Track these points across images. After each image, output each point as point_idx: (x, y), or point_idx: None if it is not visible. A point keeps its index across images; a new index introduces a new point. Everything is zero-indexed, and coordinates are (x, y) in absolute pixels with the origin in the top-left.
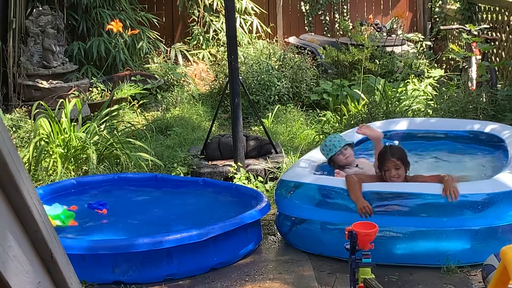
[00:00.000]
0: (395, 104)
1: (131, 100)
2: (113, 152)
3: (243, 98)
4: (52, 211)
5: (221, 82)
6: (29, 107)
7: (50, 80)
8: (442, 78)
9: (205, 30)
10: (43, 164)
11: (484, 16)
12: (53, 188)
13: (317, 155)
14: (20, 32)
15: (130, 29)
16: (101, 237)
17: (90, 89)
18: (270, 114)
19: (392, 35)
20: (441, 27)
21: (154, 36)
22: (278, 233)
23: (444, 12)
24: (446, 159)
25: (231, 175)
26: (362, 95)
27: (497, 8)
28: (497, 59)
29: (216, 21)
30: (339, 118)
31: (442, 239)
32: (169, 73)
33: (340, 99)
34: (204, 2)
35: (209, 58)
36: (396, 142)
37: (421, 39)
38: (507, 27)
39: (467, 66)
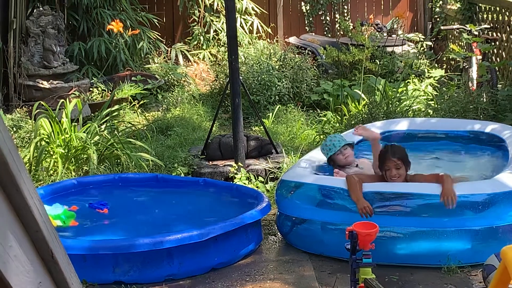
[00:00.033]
0: (395, 104)
1: (132, 100)
2: (113, 152)
3: (243, 98)
4: (52, 211)
5: (221, 82)
6: (30, 107)
7: (51, 80)
8: (443, 78)
9: (205, 30)
10: (44, 164)
11: (485, 16)
12: (54, 188)
13: (317, 155)
14: (20, 32)
15: (130, 29)
16: (102, 237)
17: (91, 89)
18: (270, 114)
19: (393, 35)
20: (442, 27)
21: (154, 36)
22: (278, 233)
23: (445, 12)
24: (447, 159)
25: (232, 175)
26: (363, 95)
27: (498, 8)
28: (498, 59)
29: (216, 21)
30: (340, 118)
31: (443, 239)
32: (170, 73)
33: (341, 99)
34: (204, 2)
35: (209, 58)
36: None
37: (422, 39)
38: (507, 27)
39: (467, 66)
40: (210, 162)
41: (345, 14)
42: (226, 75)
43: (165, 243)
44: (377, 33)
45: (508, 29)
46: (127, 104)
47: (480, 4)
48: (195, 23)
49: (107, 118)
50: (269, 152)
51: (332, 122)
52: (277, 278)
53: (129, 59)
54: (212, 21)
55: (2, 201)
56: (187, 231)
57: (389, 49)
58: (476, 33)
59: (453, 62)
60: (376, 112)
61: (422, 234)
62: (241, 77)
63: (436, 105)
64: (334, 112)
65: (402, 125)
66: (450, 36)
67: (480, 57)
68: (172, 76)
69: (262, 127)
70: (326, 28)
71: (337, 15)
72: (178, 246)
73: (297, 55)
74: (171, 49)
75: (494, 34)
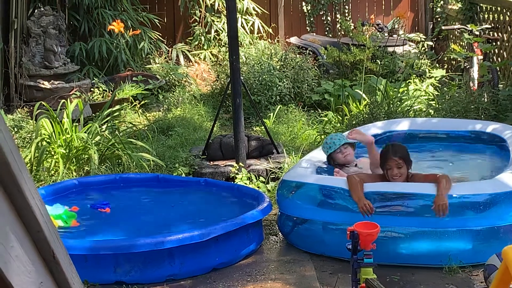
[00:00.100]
0: (396, 104)
1: (133, 101)
2: (114, 152)
3: (244, 98)
4: (53, 211)
5: (222, 83)
6: (31, 108)
7: (52, 81)
8: (444, 78)
9: (206, 30)
10: (45, 164)
11: (486, 16)
12: (55, 189)
13: (318, 155)
14: (21, 32)
15: (131, 29)
16: (103, 237)
17: (92, 89)
18: (271, 114)
19: (394, 35)
20: (443, 27)
21: (155, 37)
22: (279, 233)
23: (446, 12)
24: (448, 159)
25: (233, 175)
26: (364, 95)
27: (499, 8)
28: (499, 59)
29: (217, 21)
30: (341, 118)
31: (444, 239)
32: (171, 73)
33: (342, 99)
34: (205, 3)
35: (210, 59)
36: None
37: (423, 39)
38: (508, 27)
39: (468, 66)
40: (211, 162)
41: (346, 14)
42: (227, 75)
43: (166, 243)
44: (378, 33)
45: (509, 29)
46: (128, 104)
47: (481, 4)
48: (196, 23)
49: (108, 118)
50: (270, 152)
51: (333, 122)
52: (278, 278)
53: (130, 59)
54: (213, 21)
55: (3, 201)
56: (188, 231)
57: (390, 49)
58: (477, 33)
59: (454, 62)
60: (377, 112)
61: (423, 234)
62: (242, 77)
63: (437, 105)
64: (335, 112)
65: (403, 125)
66: (451, 36)
67: (481, 57)
68: (173, 76)
69: (263, 127)
70: (327, 28)
71: (338, 15)
72: (179, 246)
73: (298, 55)
74: (172, 49)
75: (495, 34)
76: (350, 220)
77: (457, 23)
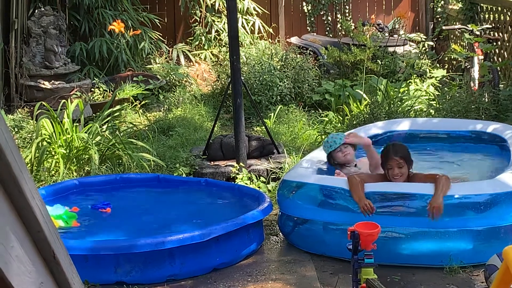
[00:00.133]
0: (397, 104)
1: (133, 101)
2: (115, 152)
3: (245, 98)
4: (54, 211)
5: (223, 83)
6: (31, 108)
7: (52, 81)
8: (444, 78)
9: (207, 30)
10: (45, 164)
11: (486, 16)
12: (55, 189)
13: (319, 155)
14: (22, 32)
15: (132, 29)
16: (103, 237)
17: (92, 89)
18: (272, 114)
19: (394, 35)
20: (443, 27)
21: (156, 37)
22: (280, 233)
23: (446, 12)
24: (448, 159)
25: (233, 175)
26: (364, 95)
27: (500, 8)
28: (499, 59)
29: (218, 21)
30: (341, 118)
31: (445, 240)
32: (171, 73)
33: (342, 99)
34: (206, 3)
35: (211, 59)
36: None
37: (423, 39)
38: (509, 27)
39: (469, 66)
40: (212, 162)
41: (347, 14)
42: (227, 75)
43: (167, 243)
44: (378, 33)
45: (510, 29)
46: (129, 104)
47: (482, 4)
48: (197, 23)
49: (109, 118)
50: (271, 152)
51: (333, 122)
52: (279, 278)
53: (131, 60)
54: (213, 21)
55: (3, 201)
56: (189, 231)
57: (390, 49)
58: (477, 33)
59: (454, 62)
60: (378, 112)
61: (424, 235)
62: (242, 77)
63: (437, 105)
64: (335, 112)
65: (403, 125)
66: (452, 36)
67: (482, 57)
68: (174, 77)
69: (263, 127)
70: (328, 28)
71: (338, 15)
72: (179, 246)
73: (298, 55)
74: (172, 50)
75: (496, 34)
76: (351, 220)
77: (457, 23)
